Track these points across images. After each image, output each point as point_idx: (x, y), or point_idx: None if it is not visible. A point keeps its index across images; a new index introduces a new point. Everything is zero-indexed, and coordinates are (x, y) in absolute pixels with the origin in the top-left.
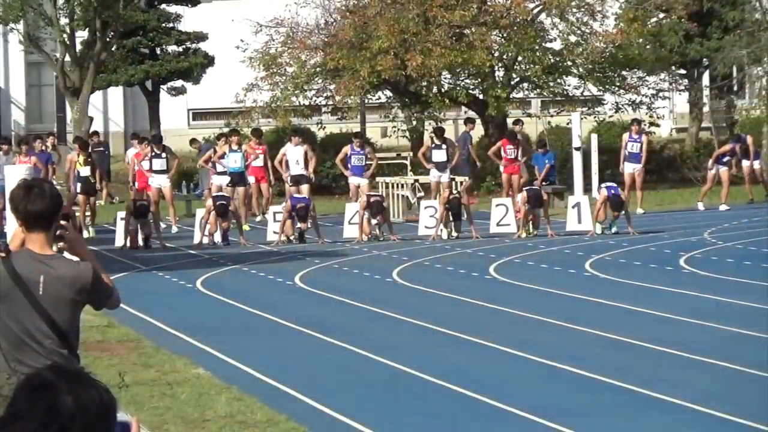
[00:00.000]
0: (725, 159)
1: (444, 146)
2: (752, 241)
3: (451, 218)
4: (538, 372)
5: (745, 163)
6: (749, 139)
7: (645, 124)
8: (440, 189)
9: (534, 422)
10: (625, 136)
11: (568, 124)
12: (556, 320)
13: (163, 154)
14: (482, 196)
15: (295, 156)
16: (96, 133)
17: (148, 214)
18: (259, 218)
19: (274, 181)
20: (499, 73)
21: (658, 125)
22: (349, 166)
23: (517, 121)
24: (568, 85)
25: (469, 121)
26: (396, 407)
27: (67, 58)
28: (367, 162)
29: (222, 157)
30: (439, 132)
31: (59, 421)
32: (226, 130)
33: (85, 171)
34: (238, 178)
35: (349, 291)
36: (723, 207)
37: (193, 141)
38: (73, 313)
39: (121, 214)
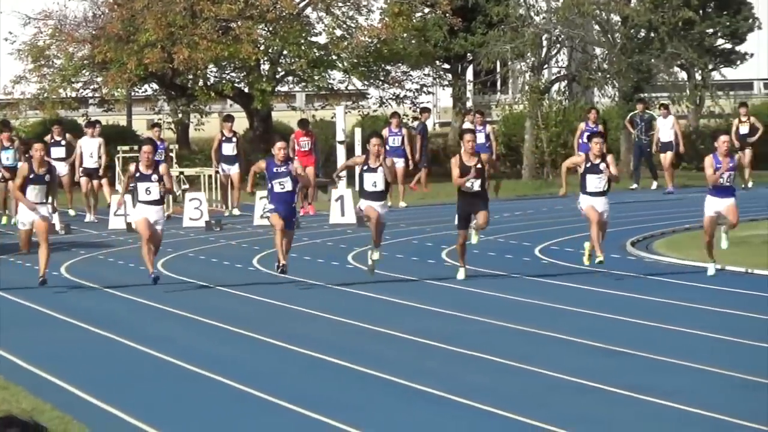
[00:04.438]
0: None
1: (234, 139)
2: (514, 235)
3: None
4: (304, 363)
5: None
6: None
7: (408, 119)
8: (232, 182)
9: (300, 414)
10: (386, 131)
11: (332, 117)
12: (321, 312)
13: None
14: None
15: (90, 148)
16: None
17: None
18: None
19: None
20: (265, 67)
21: (421, 119)
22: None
23: (424, 110)
24: (333, 79)
25: (424, 110)
26: (163, 397)
27: None
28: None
29: None
30: (228, 119)
31: None
32: None
33: None
34: (11, 175)
35: (115, 282)
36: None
37: None
38: None
39: None
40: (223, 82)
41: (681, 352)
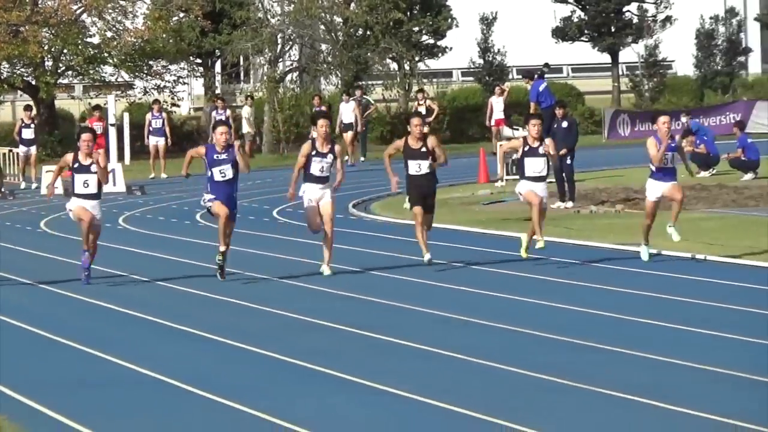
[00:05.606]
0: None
1: (32, 125)
2: (257, 200)
3: None
4: (80, 307)
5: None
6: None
7: (167, 105)
8: (30, 162)
9: (76, 349)
10: (149, 115)
11: (105, 104)
12: (95, 266)
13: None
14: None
15: None
16: None
17: None
18: None
19: None
20: (49, 63)
21: (178, 106)
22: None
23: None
24: (105, 73)
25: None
26: None
27: None
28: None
29: None
30: (27, 108)
31: None
32: None
33: None
34: None
35: None
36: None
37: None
38: None
39: None
40: (14, 76)
41: (399, 295)
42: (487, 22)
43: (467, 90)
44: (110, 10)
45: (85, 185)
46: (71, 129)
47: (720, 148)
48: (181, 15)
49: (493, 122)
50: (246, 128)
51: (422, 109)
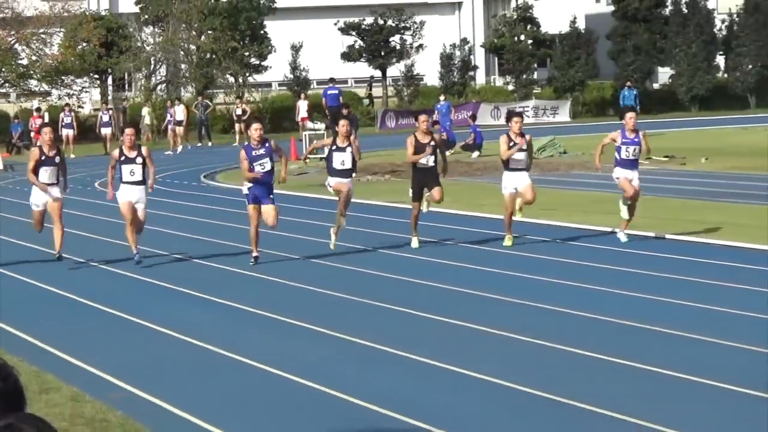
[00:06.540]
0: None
1: (18, 122)
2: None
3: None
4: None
5: None
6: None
7: (75, 107)
8: None
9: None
10: (62, 114)
11: (31, 107)
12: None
13: None
14: None
15: None
16: None
17: None
18: None
19: None
20: None
21: (82, 108)
22: None
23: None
24: (32, 85)
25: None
26: None
27: None
28: None
29: None
30: None
31: None
32: None
33: None
34: None
35: None
36: None
37: None
38: None
39: None
40: None
41: (248, 240)
42: (296, 49)
43: (282, 96)
44: (35, 41)
45: (132, 174)
46: (6, 123)
47: (458, 136)
48: (84, 44)
49: (299, 119)
50: (146, 121)
51: (239, 111)
